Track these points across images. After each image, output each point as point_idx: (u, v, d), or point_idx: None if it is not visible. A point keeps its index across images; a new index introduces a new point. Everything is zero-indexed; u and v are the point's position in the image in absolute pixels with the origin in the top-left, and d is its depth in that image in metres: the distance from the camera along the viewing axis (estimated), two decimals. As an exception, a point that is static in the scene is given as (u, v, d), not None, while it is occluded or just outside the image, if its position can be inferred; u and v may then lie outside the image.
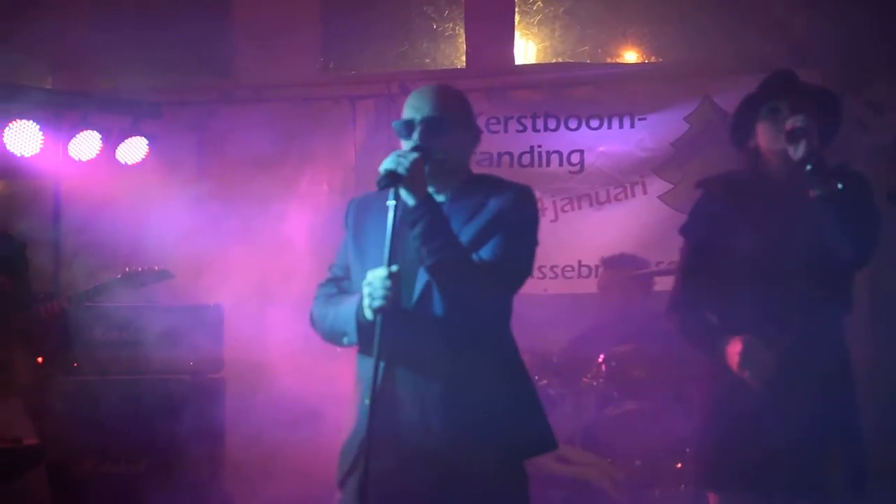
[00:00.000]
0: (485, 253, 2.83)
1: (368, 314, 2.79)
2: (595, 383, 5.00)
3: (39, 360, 4.73)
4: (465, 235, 2.84)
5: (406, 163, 2.73)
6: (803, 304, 3.11)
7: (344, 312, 2.90)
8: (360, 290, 2.85)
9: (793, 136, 3.06)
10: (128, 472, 4.73)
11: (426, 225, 2.77)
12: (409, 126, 2.92)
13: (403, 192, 2.77)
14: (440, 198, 2.92)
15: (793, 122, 3.07)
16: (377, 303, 2.72)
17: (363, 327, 2.83)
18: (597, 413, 5.02)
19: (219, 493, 4.89)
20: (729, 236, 3.21)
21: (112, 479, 4.70)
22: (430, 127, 2.90)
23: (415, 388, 2.83)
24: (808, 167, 3.02)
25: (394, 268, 2.71)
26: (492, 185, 2.97)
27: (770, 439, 3.07)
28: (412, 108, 2.95)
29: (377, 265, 2.79)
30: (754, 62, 5.53)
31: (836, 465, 3.09)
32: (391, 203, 2.72)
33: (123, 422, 4.74)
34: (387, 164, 2.74)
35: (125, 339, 4.84)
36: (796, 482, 3.07)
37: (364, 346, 2.88)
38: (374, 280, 2.74)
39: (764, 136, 3.24)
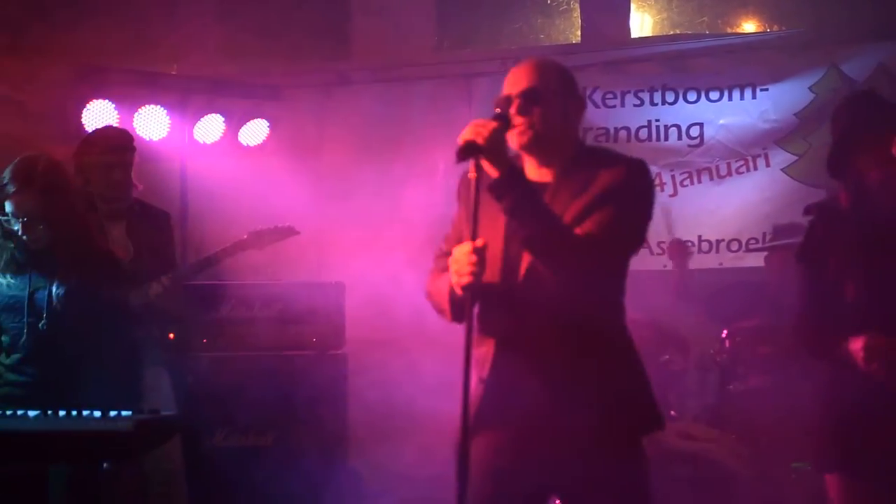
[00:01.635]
0: (591, 225, 2.74)
1: (458, 291, 2.73)
2: (718, 359, 4.92)
3: (171, 335, 4.89)
4: (573, 209, 2.77)
5: (485, 132, 2.62)
6: None
7: (441, 289, 2.88)
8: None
9: None
10: (256, 445, 4.85)
11: (514, 198, 2.69)
12: (507, 101, 2.88)
13: (488, 167, 2.68)
14: (547, 172, 2.88)
15: None
16: (464, 279, 2.65)
17: (455, 304, 2.80)
18: (721, 389, 4.93)
19: (343, 466, 4.98)
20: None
21: (241, 452, 4.83)
22: (528, 99, 2.81)
23: (526, 367, 2.79)
24: None
25: (479, 242, 2.63)
26: (603, 158, 2.89)
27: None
28: (509, 83, 2.89)
29: (490, 240, 2.79)
30: (882, 29, 5.34)
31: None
32: (472, 175, 2.62)
33: (250, 396, 4.85)
34: (465, 134, 2.64)
35: (251, 315, 4.95)
36: None
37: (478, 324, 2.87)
38: (460, 256, 2.68)
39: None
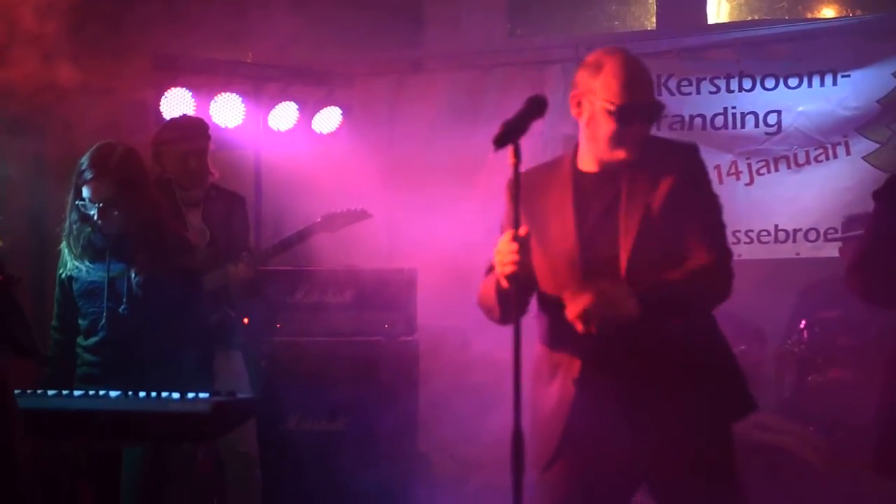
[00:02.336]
0: (700, 254, 2.76)
1: (504, 282, 2.70)
2: (796, 350, 4.82)
3: (245, 320, 4.95)
4: (647, 225, 2.78)
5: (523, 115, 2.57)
6: None
7: (488, 287, 2.87)
8: (550, 278, 2.83)
9: None
10: (328, 430, 4.88)
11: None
12: None
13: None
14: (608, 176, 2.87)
15: None
16: (507, 268, 2.61)
17: (503, 300, 2.77)
18: (799, 381, 4.83)
19: (414, 453, 4.99)
20: None
21: (314, 436, 4.87)
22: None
23: (620, 364, 2.78)
24: None
25: (521, 231, 2.59)
26: (656, 150, 2.89)
27: None
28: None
29: (559, 241, 2.76)
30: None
31: None
32: (512, 162, 2.52)
33: (323, 381, 4.89)
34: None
35: (324, 301, 4.98)
36: None
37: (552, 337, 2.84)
38: (502, 246, 2.64)
39: None
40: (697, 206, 2.81)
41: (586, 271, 2.79)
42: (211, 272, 4.44)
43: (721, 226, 2.88)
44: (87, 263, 3.70)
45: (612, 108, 2.79)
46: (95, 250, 3.70)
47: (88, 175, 3.62)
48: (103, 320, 3.66)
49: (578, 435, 2.80)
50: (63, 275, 3.76)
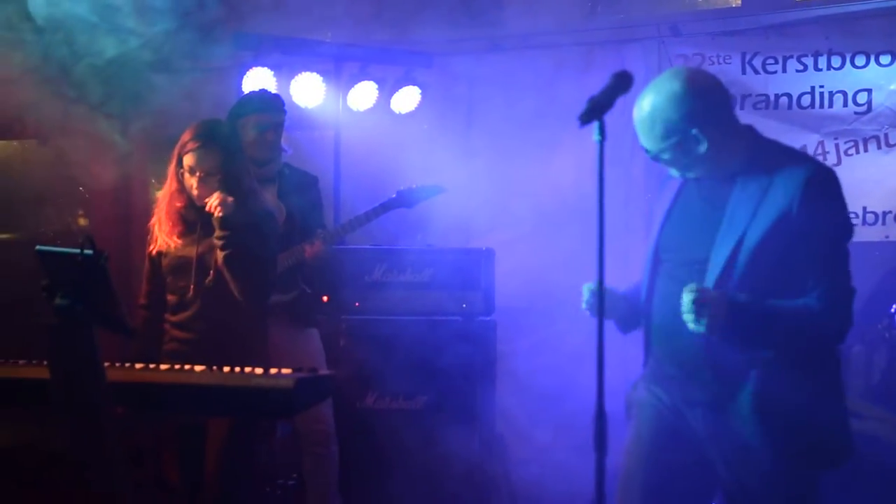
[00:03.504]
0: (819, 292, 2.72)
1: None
2: (887, 335, 4.69)
3: (325, 298, 4.99)
4: (750, 240, 2.71)
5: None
6: None
7: None
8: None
9: None
10: (405, 409, 4.91)
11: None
12: None
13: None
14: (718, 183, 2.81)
15: None
16: (583, 305, 2.82)
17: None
18: (889, 367, 4.71)
19: (491, 433, 4.99)
20: None
21: (391, 414, 4.90)
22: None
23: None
24: None
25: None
26: (775, 160, 2.80)
27: None
28: None
29: (652, 235, 2.74)
30: None
31: None
32: (597, 139, 2.45)
33: (400, 360, 4.91)
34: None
35: (402, 280, 5.00)
36: None
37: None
38: (584, 290, 2.81)
39: None
40: (814, 240, 2.72)
41: (663, 271, 2.79)
42: (287, 249, 4.47)
43: (843, 264, 2.80)
44: (177, 239, 3.77)
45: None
46: (186, 225, 3.77)
47: (193, 144, 3.69)
48: (191, 295, 3.71)
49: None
50: (153, 251, 3.83)
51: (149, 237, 3.86)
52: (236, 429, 3.54)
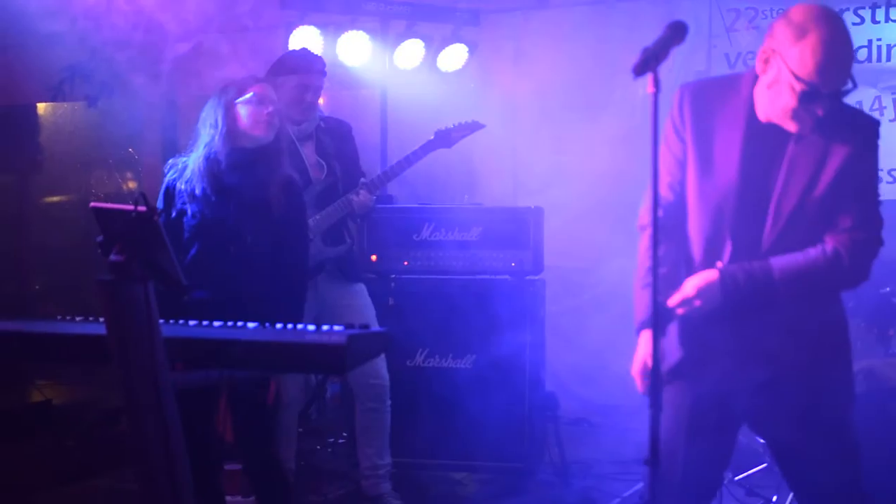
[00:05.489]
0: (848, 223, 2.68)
1: None
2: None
3: (373, 257, 4.99)
4: (810, 194, 2.68)
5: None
6: None
7: (639, 300, 2.85)
8: (702, 216, 2.75)
9: None
10: (454, 367, 4.91)
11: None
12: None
13: None
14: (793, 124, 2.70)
15: None
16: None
17: None
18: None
19: (540, 392, 4.98)
20: None
21: (440, 373, 4.90)
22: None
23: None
24: None
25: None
26: (838, 120, 2.70)
27: None
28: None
29: (721, 174, 2.68)
30: None
31: None
32: (651, 90, 2.32)
33: (449, 319, 4.90)
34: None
35: (450, 239, 4.98)
36: None
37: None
38: (642, 341, 2.79)
39: None
40: (860, 184, 2.71)
41: (737, 215, 2.72)
42: (333, 203, 4.46)
43: (876, 205, 2.76)
44: (202, 205, 3.71)
45: (798, 86, 2.62)
46: (214, 188, 3.71)
47: (240, 96, 3.68)
48: (225, 255, 3.68)
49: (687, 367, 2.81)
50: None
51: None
52: (241, 390, 3.57)
